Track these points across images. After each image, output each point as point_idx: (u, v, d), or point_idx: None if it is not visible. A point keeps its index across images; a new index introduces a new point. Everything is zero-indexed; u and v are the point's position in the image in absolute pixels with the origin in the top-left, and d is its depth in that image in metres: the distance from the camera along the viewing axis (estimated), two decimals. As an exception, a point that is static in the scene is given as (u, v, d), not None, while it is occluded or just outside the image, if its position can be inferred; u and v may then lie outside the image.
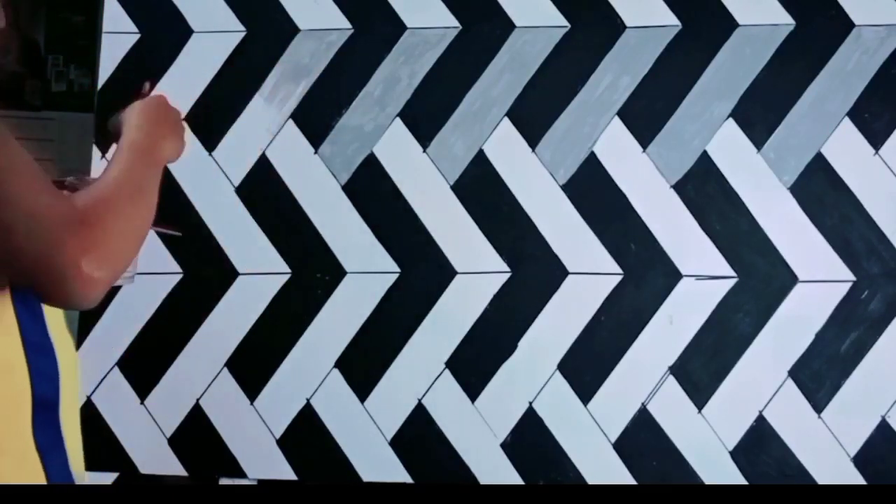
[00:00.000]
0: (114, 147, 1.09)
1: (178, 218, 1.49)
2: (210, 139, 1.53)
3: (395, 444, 1.47)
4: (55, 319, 0.98)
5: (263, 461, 1.49)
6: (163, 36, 1.55)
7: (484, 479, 1.45)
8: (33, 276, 0.82)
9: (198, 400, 1.51)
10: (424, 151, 1.49)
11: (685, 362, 1.43)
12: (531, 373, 1.45)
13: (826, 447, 1.40)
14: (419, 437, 1.46)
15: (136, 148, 1.06)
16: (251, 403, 1.50)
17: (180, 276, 1.50)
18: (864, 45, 1.43)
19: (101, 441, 1.49)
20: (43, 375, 0.91)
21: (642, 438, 1.43)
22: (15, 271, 0.83)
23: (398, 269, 1.49)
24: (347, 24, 1.52)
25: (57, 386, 0.93)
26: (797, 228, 1.42)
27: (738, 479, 1.41)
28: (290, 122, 1.51)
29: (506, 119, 1.48)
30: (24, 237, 0.80)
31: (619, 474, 1.43)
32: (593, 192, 1.46)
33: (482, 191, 1.48)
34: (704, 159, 1.45)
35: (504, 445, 1.45)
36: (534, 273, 1.46)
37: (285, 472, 1.49)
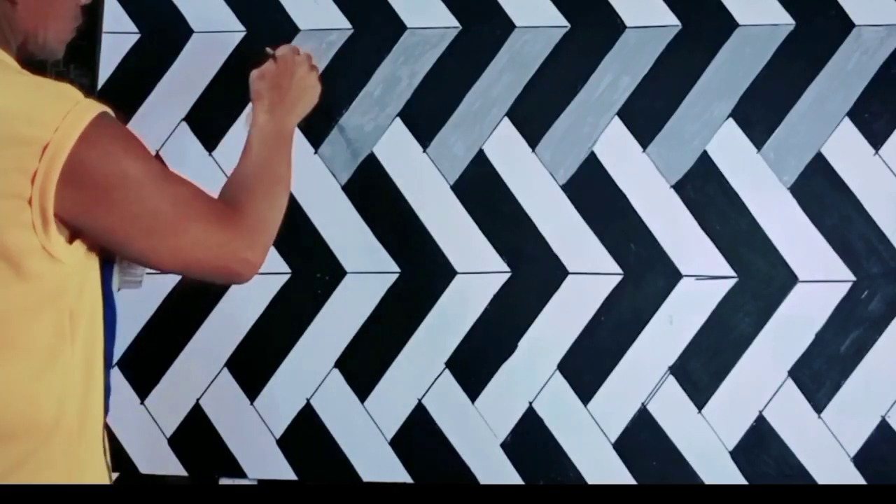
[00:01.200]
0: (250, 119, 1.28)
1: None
2: (210, 139, 1.53)
3: (395, 444, 1.47)
4: None
5: (263, 461, 1.49)
6: (163, 36, 1.55)
7: (484, 479, 1.45)
8: (210, 275, 1.07)
9: (198, 400, 1.51)
10: (424, 151, 1.49)
11: (685, 362, 1.43)
12: (531, 373, 1.45)
13: (826, 447, 1.40)
14: (419, 437, 1.46)
15: (265, 135, 1.23)
16: (251, 403, 1.50)
17: (180, 276, 1.50)
18: (864, 45, 1.43)
19: (101, 441, 1.49)
20: (110, 328, 1.06)
21: (642, 438, 1.43)
22: (196, 274, 1.06)
23: (398, 269, 1.49)
24: (347, 24, 1.52)
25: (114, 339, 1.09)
26: (797, 228, 1.42)
27: (738, 479, 1.41)
28: (290, 122, 1.51)
29: (506, 119, 1.48)
30: (205, 253, 1.03)
31: (619, 474, 1.43)
32: (593, 192, 1.46)
33: (482, 191, 1.48)
34: (704, 159, 1.45)
35: (504, 445, 1.45)
36: (534, 273, 1.46)
37: (285, 472, 1.49)
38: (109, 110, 0.98)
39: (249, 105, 1.34)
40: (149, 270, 1.07)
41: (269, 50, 1.33)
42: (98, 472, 1.02)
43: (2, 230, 0.90)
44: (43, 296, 0.94)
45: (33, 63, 1.09)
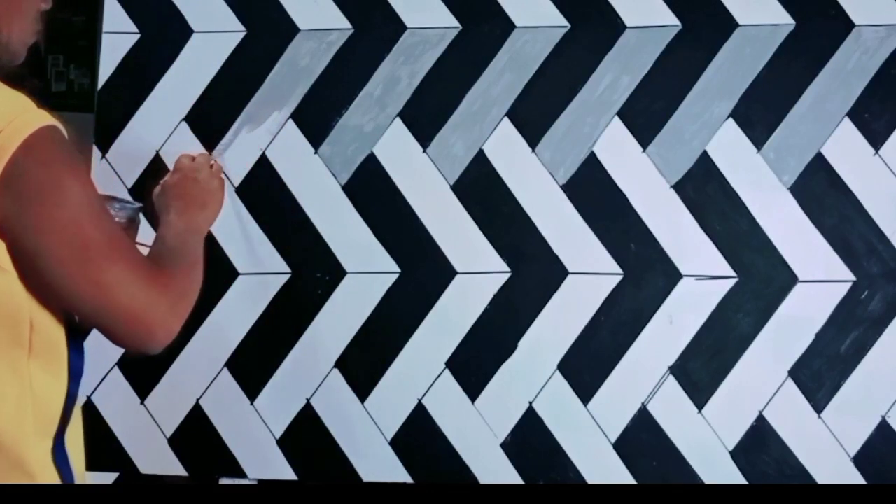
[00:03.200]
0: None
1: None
2: (210, 139, 1.53)
3: (395, 444, 1.47)
4: None
5: (263, 461, 1.49)
6: (163, 36, 1.55)
7: (484, 479, 1.45)
8: (124, 328, 1.00)
9: (198, 400, 1.51)
10: (424, 151, 1.49)
11: (685, 362, 1.43)
12: (531, 373, 1.45)
13: (826, 447, 1.40)
14: (419, 437, 1.46)
15: (176, 230, 1.24)
16: (251, 403, 1.50)
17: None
18: (864, 45, 1.43)
19: (102, 441, 1.49)
20: (76, 374, 1.03)
21: (642, 438, 1.43)
22: (110, 326, 1.00)
23: (398, 269, 1.49)
24: (347, 24, 1.52)
25: (79, 383, 1.04)
26: (797, 228, 1.42)
27: (738, 479, 1.41)
28: (290, 122, 1.51)
29: (506, 119, 1.48)
30: (129, 301, 0.98)
31: (619, 474, 1.43)
32: (593, 192, 1.46)
33: (482, 191, 1.48)
34: (704, 159, 1.45)
35: (504, 445, 1.45)
36: (534, 273, 1.46)
37: (285, 472, 1.49)
38: (62, 127, 0.96)
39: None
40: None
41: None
42: (49, 479, 1.00)
43: None
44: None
45: (32, 61, 1.08)
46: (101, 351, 1.53)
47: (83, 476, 1.07)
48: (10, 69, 1.03)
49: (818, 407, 1.41)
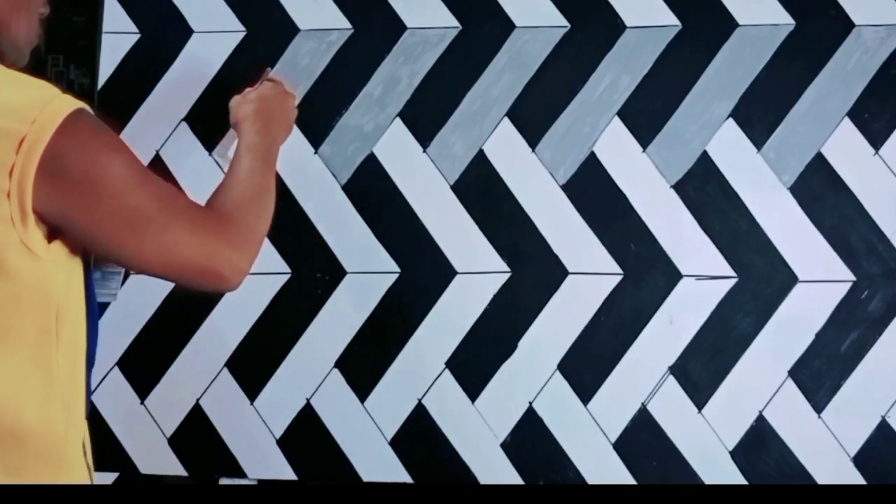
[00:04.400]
0: (234, 141, 1.29)
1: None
2: (210, 139, 1.53)
3: (395, 444, 1.47)
4: None
5: (263, 461, 1.49)
6: (163, 36, 1.55)
7: (484, 479, 1.45)
8: (197, 279, 1.03)
9: (198, 400, 1.51)
10: (424, 151, 1.49)
11: (685, 362, 1.43)
12: (531, 373, 1.45)
13: (826, 447, 1.40)
14: (419, 437, 1.46)
15: (256, 152, 1.23)
16: (251, 403, 1.50)
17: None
18: (864, 45, 1.43)
19: (102, 441, 1.49)
20: (93, 330, 1.04)
21: (642, 438, 1.43)
22: (181, 279, 1.03)
23: (398, 269, 1.49)
24: (347, 24, 1.52)
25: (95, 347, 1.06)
26: (797, 228, 1.42)
27: (738, 479, 1.41)
28: (290, 122, 1.51)
29: (506, 119, 1.48)
30: (191, 253, 1.00)
31: (619, 474, 1.43)
32: (593, 192, 1.46)
33: (482, 191, 1.48)
34: (704, 159, 1.45)
35: (504, 445, 1.45)
36: (534, 273, 1.46)
37: (285, 472, 1.49)
38: (88, 108, 0.97)
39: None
40: (125, 280, 1.05)
41: (267, 70, 1.40)
42: (80, 473, 1.01)
43: None
44: (24, 292, 0.93)
45: (32, 61, 1.08)
46: (100, 351, 1.53)
47: (94, 476, 1.07)
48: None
49: (818, 407, 1.41)
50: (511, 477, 1.45)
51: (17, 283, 0.92)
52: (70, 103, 0.93)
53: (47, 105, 0.91)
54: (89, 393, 1.06)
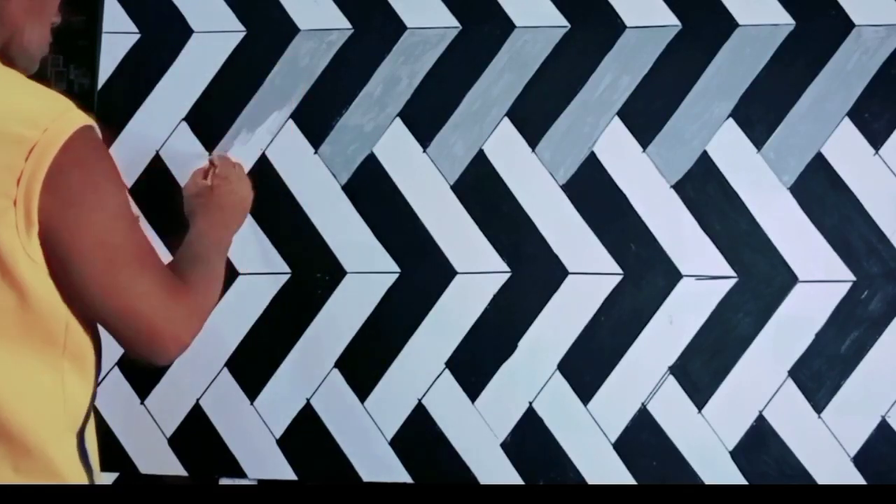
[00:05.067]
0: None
1: (178, 217, 1.49)
2: (210, 139, 1.53)
3: (395, 444, 1.47)
4: None
5: (263, 461, 1.49)
6: (163, 36, 1.55)
7: (484, 479, 1.45)
8: (138, 336, 1.01)
9: (198, 400, 1.51)
10: (424, 151, 1.49)
11: (685, 362, 1.43)
12: (531, 373, 1.45)
13: (826, 447, 1.40)
14: (419, 437, 1.46)
15: (205, 240, 1.24)
16: (251, 403, 1.50)
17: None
18: (864, 45, 1.43)
19: (101, 441, 1.48)
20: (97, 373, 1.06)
21: (642, 438, 1.43)
22: (130, 334, 1.01)
23: (398, 269, 1.49)
24: (347, 24, 1.52)
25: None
26: (797, 228, 1.42)
27: (738, 479, 1.41)
28: (290, 122, 1.51)
29: (506, 119, 1.48)
30: (152, 311, 1.00)
31: (619, 474, 1.43)
32: (593, 192, 1.46)
33: (482, 191, 1.48)
34: (704, 159, 1.45)
35: (504, 445, 1.45)
36: (534, 273, 1.46)
37: (285, 472, 1.49)
38: (97, 127, 0.97)
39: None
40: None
41: (210, 157, 1.43)
42: (77, 476, 1.02)
43: None
44: (33, 301, 0.93)
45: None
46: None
47: (99, 475, 1.08)
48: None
49: (818, 407, 1.41)
50: (511, 477, 1.45)
51: (26, 291, 0.92)
52: (82, 118, 0.94)
53: (61, 115, 0.91)
54: (93, 401, 1.06)
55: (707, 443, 1.42)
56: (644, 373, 1.44)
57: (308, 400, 1.49)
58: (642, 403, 1.44)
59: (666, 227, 1.45)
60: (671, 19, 1.47)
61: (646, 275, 1.44)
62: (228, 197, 1.35)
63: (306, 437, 1.48)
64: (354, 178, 1.50)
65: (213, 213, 1.31)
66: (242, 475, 1.50)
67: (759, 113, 1.44)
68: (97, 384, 1.06)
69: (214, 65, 1.54)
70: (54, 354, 0.97)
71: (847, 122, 1.43)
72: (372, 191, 1.50)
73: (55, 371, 0.98)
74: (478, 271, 1.47)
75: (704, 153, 1.45)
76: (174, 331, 1.02)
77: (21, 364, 0.95)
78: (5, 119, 0.90)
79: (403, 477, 1.47)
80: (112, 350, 1.50)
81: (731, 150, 1.44)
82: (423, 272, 1.48)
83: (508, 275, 1.47)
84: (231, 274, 1.50)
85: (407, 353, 1.47)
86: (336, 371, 1.49)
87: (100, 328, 1.03)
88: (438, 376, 1.47)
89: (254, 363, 1.50)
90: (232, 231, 1.34)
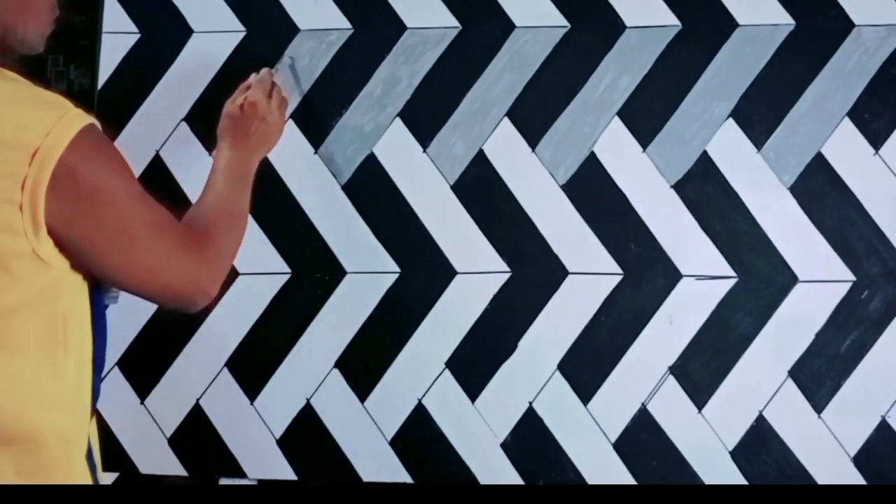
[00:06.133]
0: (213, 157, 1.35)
1: (177, 218, 1.49)
2: (210, 140, 1.53)
3: (395, 444, 1.47)
4: None
5: (263, 461, 1.49)
6: (163, 36, 1.55)
7: (484, 479, 1.45)
8: (168, 299, 1.10)
9: (198, 400, 1.51)
10: (424, 151, 1.49)
11: (685, 362, 1.43)
12: (531, 373, 1.45)
13: (826, 447, 1.40)
14: (419, 437, 1.46)
15: (229, 174, 1.29)
16: (251, 403, 1.50)
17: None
18: (864, 45, 1.43)
19: (102, 441, 1.48)
20: (101, 334, 1.08)
21: (642, 438, 1.43)
22: (158, 296, 1.09)
23: (398, 269, 1.49)
24: (347, 24, 1.52)
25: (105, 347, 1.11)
26: (797, 228, 1.42)
27: (738, 479, 1.41)
28: (291, 122, 1.51)
29: (506, 119, 1.48)
30: (174, 274, 1.06)
31: (619, 474, 1.43)
32: (593, 192, 1.46)
33: (482, 191, 1.48)
34: (704, 159, 1.45)
35: (504, 445, 1.45)
36: (534, 273, 1.46)
37: (285, 472, 1.49)
38: (97, 123, 0.99)
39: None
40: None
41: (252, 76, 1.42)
42: (83, 476, 1.03)
43: None
44: (32, 298, 0.95)
45: (31, 61, 1.08)
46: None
47: (101, 475, 1.09)
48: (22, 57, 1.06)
49: (818, 407, 1.41)
50: (511, 477, 1.45)
51: (26, 289, 0.94)
52: (82, 118, 0.95)
53: (60, 119, 0.93)
54: (96, 396, 1.06)
55: (707, 443, 1.42)
56: (644, 373, 1.44)
57: (308, 400, 1.49)
58: (642, 403, 1.44)
59: (666, 227, 1.45)
60: (671, 19, 1.47)
61: (646, 275, 1.44)
62: (255, 124, 1.36)
63: (306, 437, 1.48)
64: (354, 178, 1.50)
65: (237, 137, 1.34)
66: (242, 475, 1.50)
67: (759, 113, 1.44)
68: (101, 379, 1.07)
69: (214, 65, 1.54)
70: (58, 353, 0.98)
71: (847, 122, 1.42)
72: (372, 191, 1.50)
73: (59, 371, 0.98)
74: (478, 271, 1.47)
75: (704, 153, 1.45)
76: (199, 286, 1.09)
77: (22, 362, 0.95)
78: (5, 127, 0.91)
79: (403, 477, 1.47)
80: (112, 350, 1.50)
81: (731, 150, 1.44)
82: (423, 272, 1.48)
83: (508, 275, 1.47)
84: (231, 274, 1.50)
85: (407, 353, 1.47)
86: (336, 371, 1.49)
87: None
88: (438, 376, 1.47)
89: (254, 363, 1.50)
90: (254, 158, 1.36)
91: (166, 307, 1.13)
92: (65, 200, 0.93)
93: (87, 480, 1.03)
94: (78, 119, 0.94)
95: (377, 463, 1.47)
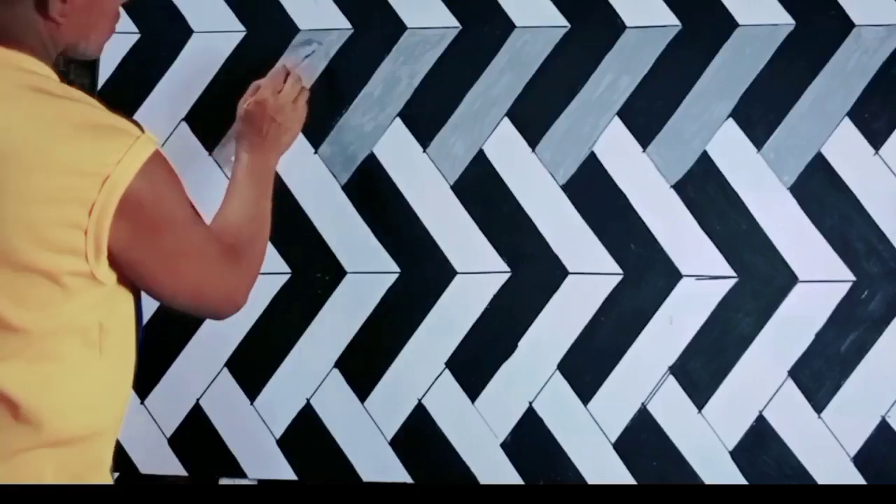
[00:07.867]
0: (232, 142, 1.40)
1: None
2: (210, 139, 1.53)
3: (395, 444, 1.47)
4: None
5: (263, 461, 1.49)
6: (163, 36, 1.55)
7: (484, 479, 1.45)
8: (205, 311, 1.20)
9: (198, 400, 1.51)
10: (424, 151, 1.49)
11: (685, 362, 1.43)
12: (531, 373, 1.45)
13: (826, 447, 1.40)
14: (419, 437, 1.46)
15: (251, 174, 1.32)
16: (251, 403, 1.50)
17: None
18: (864, 45, 1.43)
19: (101, 441, 1.49)
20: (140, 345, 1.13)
21: (642, 438, 1.43)
22: (200, 309, 1.18)
23: (398, 269, 1.49)
24: (347, 24, 1.52)
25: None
26: (797, 228, 1.42)
27: (738, 479, 1.41)
28: (290, 122, 1.51)
29: (506, 119, 1.48)
30: (217, 289, 1.13)
31: (619, 474, 1.43)
32: (593, 192, 1.46)
33: (482, 191, 1.48)
34: (704, 159, 1.45)
35: (504, 445, 1.45)
36: (534, 273, 1.46)
37: (285, 472, 1.49)
38: (159, 147, 1.02)
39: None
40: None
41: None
42: (107, 476, 1.08)
43: (56, 258, 0.93)
44: (79, 311, 0.98)
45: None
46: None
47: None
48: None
49: (818, 407, 1.41)
50: (511, 477, 1.45)
51: (76, 304, 0.97)
52: (149, 145, 0.98)
53: (131, 147, 0.96)
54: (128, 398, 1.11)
55: (707, 443, 1.42)
56: (644, 373, 1.44)
57: (308, 400, 1.49)
58: (642, 403, 1.44)
59: (666, 227, 1.44)
60: (671, 19, 1.47)
61: (646, 275, 1.44)
62: (266, 125, 1.37)
63: (306, 437, 1.48)
64: (354, 178, 1.50)
65: (252, 139, 1.36)
66: (242, 475, 1.50)
67: (759, 113, 1.44)
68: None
69: (214, 65, 1.54)
70: (93, 357, 1.01)
71: (847, 122, 1.42)
72: (372, 191, 1.50)
73: (93, 374, 1.02)
74: (478, 271, 1.47)
75: (704, 153, 1.45)
76: (234, 299, 1.16)
77: (61, 367, 0.98)
78: (75, 153, 0.94)
79: (403, 477, 1.47)
80: (112, 350, 1.50)
81: (731, 150, 1.44)
82: (423, 272, 1.48)
83: (508, 275, 1.47)
84: (231, 274, 1.50)
85: (407, 353, 1.47)
86: (336, 371, 1.49)
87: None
88: (438, 376, 1.47)
89: (254, 363, 1.50)
90: (272, 159, 1.38)
91: (206, 315, 1.23)
92: (128, 226, 0.96)
93: (110, 480, 1.08)
94: (146, 147, 0.98)
95: (377, 463, 1.47)
